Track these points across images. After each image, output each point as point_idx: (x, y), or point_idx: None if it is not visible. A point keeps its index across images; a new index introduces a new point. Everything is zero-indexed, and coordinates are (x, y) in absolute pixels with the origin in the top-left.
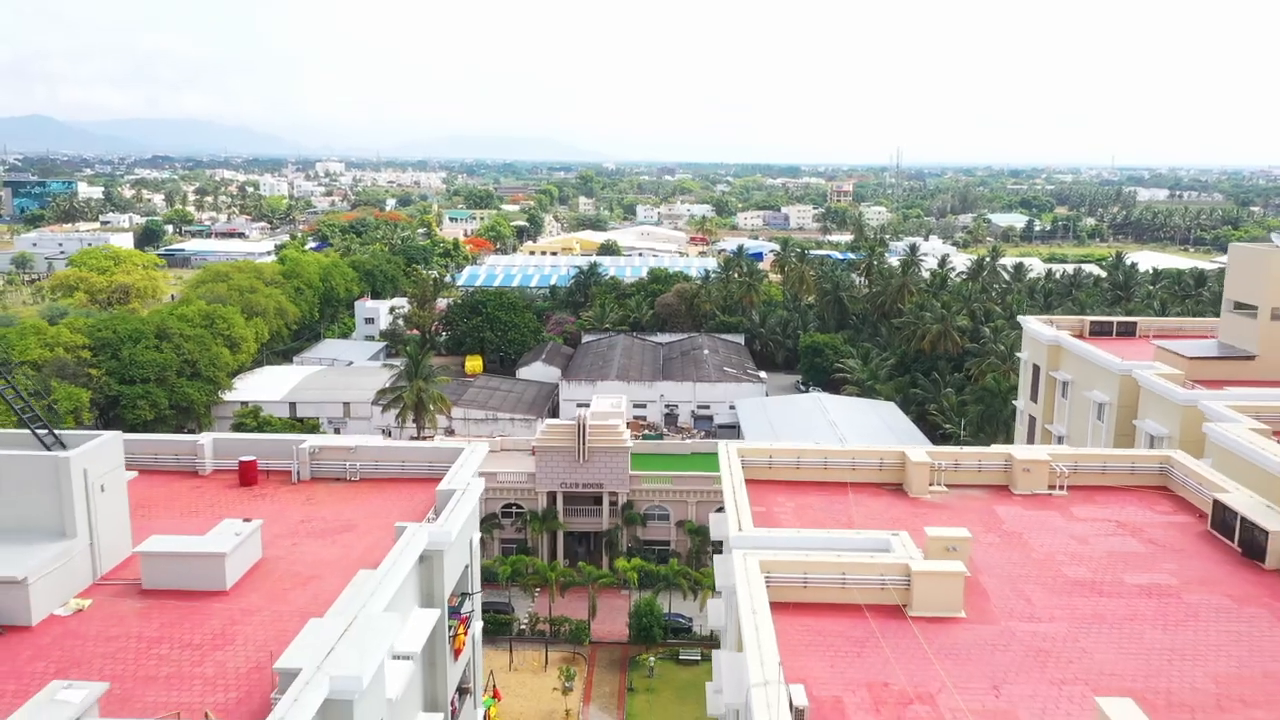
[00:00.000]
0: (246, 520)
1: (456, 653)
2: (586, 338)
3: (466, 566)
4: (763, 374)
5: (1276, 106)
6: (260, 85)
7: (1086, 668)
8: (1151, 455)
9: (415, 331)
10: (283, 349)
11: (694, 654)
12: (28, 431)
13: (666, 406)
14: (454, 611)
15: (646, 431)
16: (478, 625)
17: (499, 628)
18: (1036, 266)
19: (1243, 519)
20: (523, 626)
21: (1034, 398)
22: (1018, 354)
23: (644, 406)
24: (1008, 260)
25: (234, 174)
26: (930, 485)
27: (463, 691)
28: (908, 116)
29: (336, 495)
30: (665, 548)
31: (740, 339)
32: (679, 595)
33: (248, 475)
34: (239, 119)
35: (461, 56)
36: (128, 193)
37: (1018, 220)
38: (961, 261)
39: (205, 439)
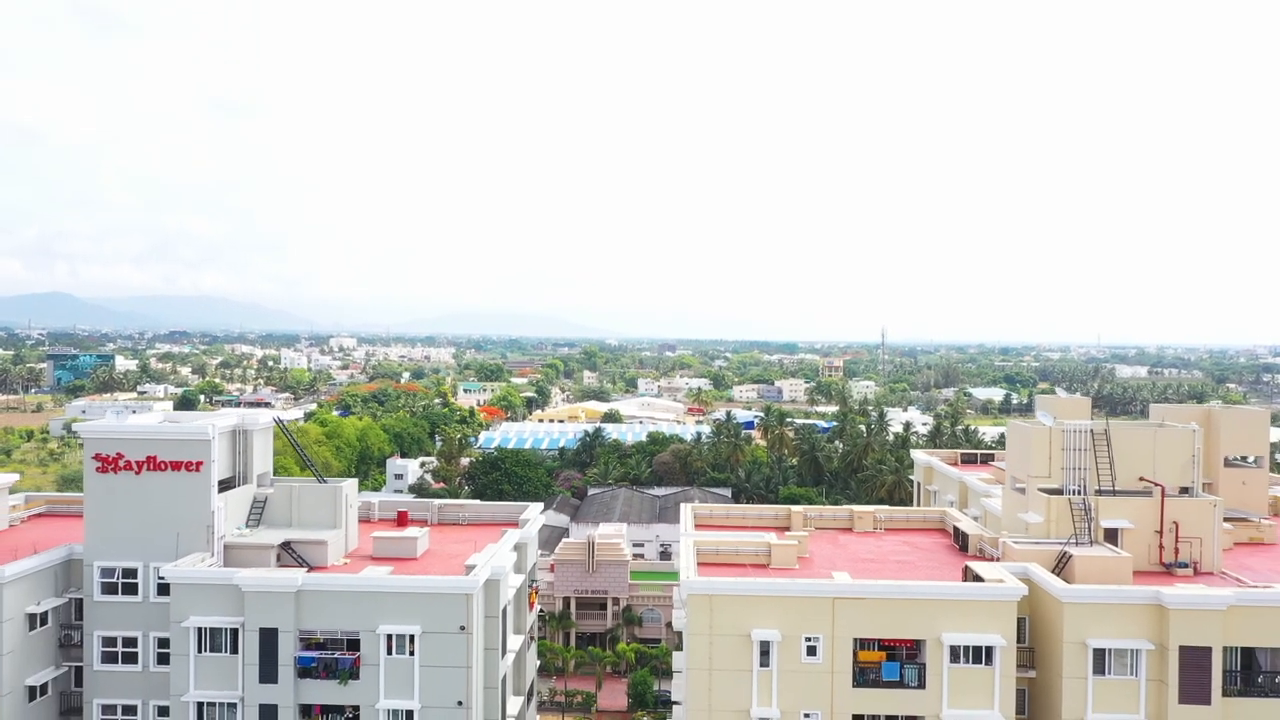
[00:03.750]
0: (424, 523)
1: (531, 605)
2: (592, 491)
3: (534, 563)
4: None
5: (1263, 288)
6: (270, 263)
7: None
8: (935, 510)
9: (442, 484)
10: None
11: None
12: (310, 477)
13: (661, 545)
14: (530, 584)
15: None
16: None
17: None
18: (992, 431)
19: (961, 531)
20: (544, 699)
21: (918, 505)
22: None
23: (642, 545)
24: (968, 425)
25: (251, 348)
26: (804, 526)
27: (531, 637)
28: (906, 297)
29: (458, 529)
30: (657, 643)
31: (728, 492)
32: (667, 679)
33: (402, 519)
34: (251, 295)
35: (466, 237)
36: (155, 365)
37: (997, 394)
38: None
39: (374, 499)
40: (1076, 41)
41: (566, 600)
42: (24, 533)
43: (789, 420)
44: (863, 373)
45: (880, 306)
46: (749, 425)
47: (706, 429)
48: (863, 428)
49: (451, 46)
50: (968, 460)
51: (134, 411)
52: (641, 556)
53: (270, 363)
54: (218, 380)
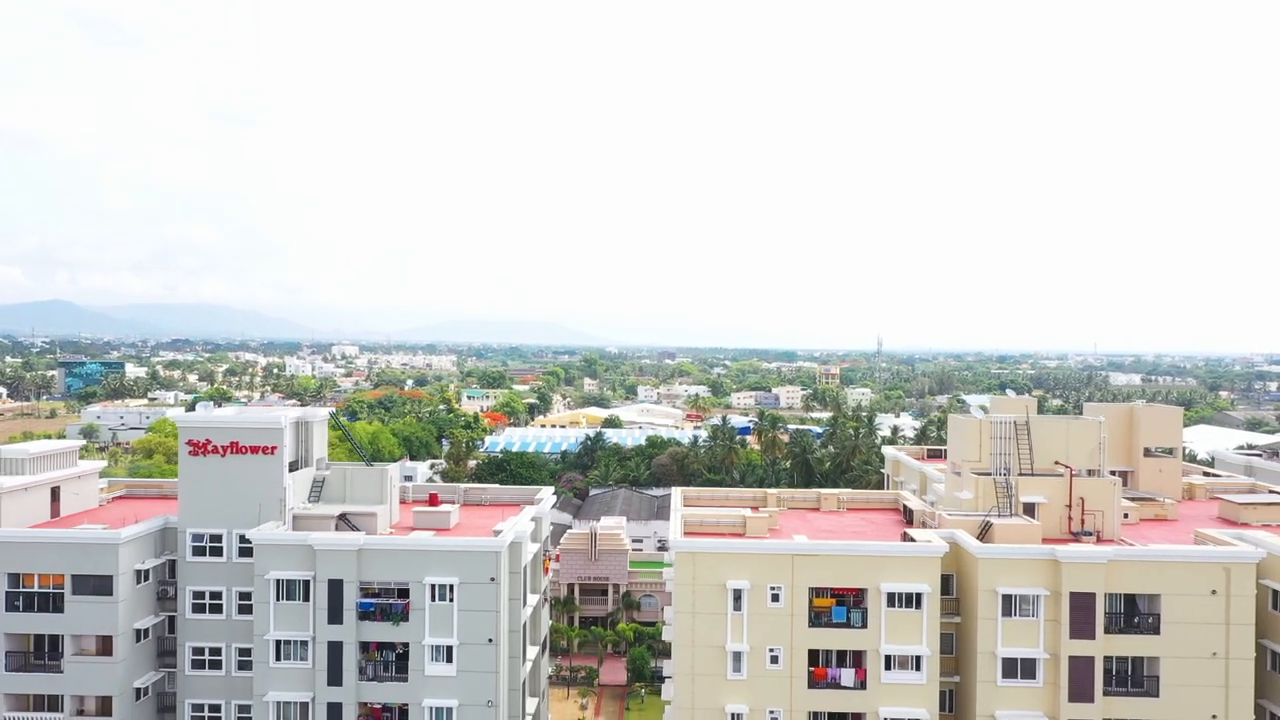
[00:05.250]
0: (451, 503)
1: (545, 570)
2: (593, 491)
3: (548, 536)
4: None
5: (1262, 297)
6: (269, 271)
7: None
8: (890, 492)
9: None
10: None
11: None
12: (360, 462)
13: (659, 541)
14: (544, 553)
15: None
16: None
17: None
18: None
19: (909, 508)
20: (550, 674)
21: None
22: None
23: (641, 541)
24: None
25: (254, 356)
26: (777, 505)
27: (545, 598)
28: (906, 306)
29: (481, 508)
30: (653, 625)
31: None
32: (664, 658)
33: (433, 500)
34: (251, 303)
35: (465, 245)
36: (163, 373)
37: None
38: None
39: (408, 485)
40: (1073, 50)
41: (571, 586)
42: (113, 510)
43: (783, 425)
44: (860, 380)
45: (880, 315)
46: (745, 431)
47: (704, 433)
48: (853, 432)
49: (451, 55)
50: (933, 455)
51: (147, 417)
52: (640, 551)
53: (275, 370)
54: (225, 388)
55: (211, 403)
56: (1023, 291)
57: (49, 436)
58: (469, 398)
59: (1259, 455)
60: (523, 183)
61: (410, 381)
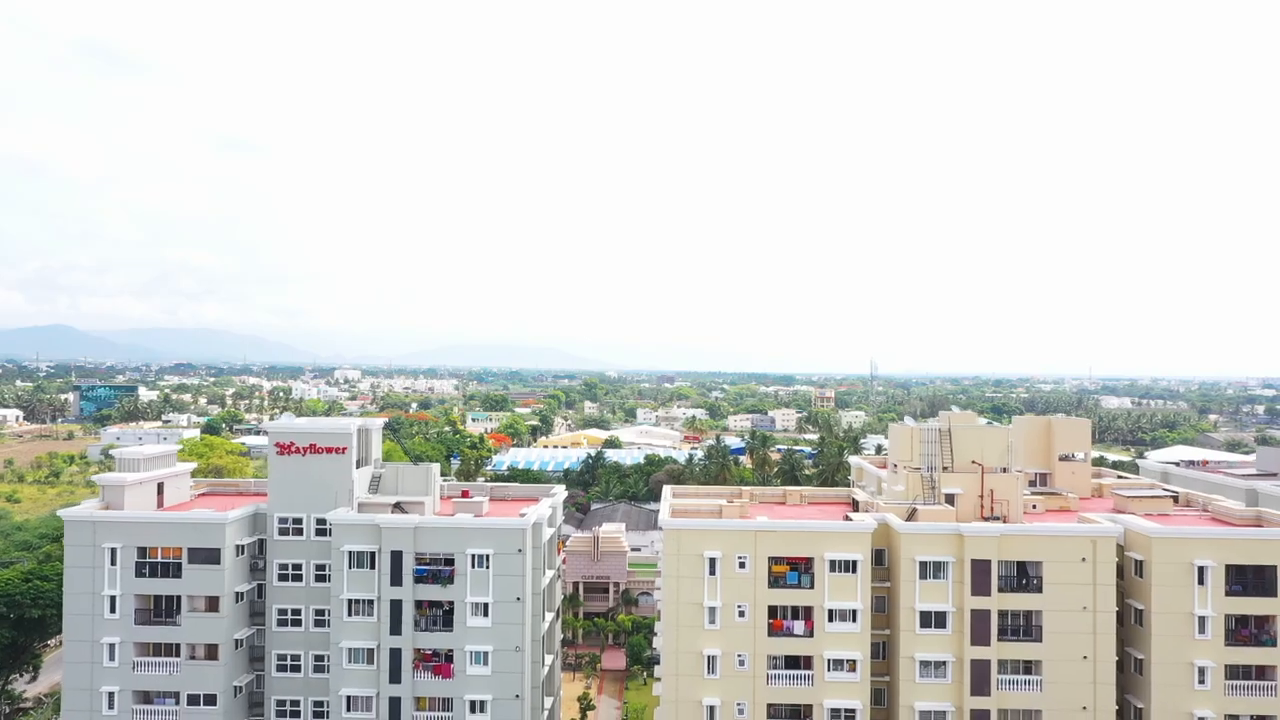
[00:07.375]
0: (485, 496)
1: (559, 551)
2: (594, 506)
3: (560, 523)
4: None
5: (1261, 321)
6: (270, 295)
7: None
8: (844, 489)
9: None
10: None
11: None
12: (410, 461)
13: (655, 551)
14: (558, 537)
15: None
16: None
17: None
18: None
19: (855, 499)
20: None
21: None
22: None
23: (639, 549)
24: None
25: (258, 380)
26: (749, 499)
27: (558, 574)
28: (907, 331)
29: (506, 501)
30: (650, 618)
31: None
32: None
33: (465, 494)
34: (251, 328)
35: (464, 271)
36: (174, 397)
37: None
38: None
39: (444, 484)
40: (1071, 75)
41: (576, 585)
42: (204, 503)
43: (774, 445)
44: (855, 404)
45: (879, 339)
46: (739, 451)
47: (699, 453)
48: (839, 450)
49: (450, 86)
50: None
51: (164, 438)
52: (638, 554)
53: (281, 394)
54: (236, 410)
55: (286, 415)
56: (1022, 316)
57: (73, 456)
58: (473, 420)
59: (1176, 465)
60: (522, 209)
61: (415, 404)
